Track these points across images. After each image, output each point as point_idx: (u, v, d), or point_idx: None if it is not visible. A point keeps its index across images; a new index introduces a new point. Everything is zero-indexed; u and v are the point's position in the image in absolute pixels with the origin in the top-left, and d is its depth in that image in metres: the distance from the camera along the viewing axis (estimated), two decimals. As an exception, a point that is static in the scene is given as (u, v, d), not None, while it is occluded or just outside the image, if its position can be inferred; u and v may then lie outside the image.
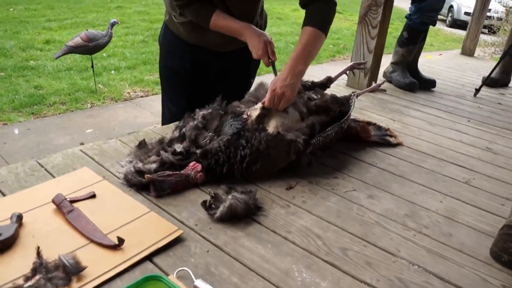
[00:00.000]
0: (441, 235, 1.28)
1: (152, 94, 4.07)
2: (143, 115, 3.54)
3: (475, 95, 3.00)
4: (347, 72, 1.92)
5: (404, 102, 2.61)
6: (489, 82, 3.19)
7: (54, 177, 1.31)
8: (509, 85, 3.48)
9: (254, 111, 1.53)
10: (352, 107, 1.70)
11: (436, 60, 4.27)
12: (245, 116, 1.52)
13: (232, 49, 1.75)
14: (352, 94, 1.78)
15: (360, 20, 2.57)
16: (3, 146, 2.76)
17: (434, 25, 2.76)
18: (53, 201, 1.12)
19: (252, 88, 1.73)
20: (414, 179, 1.61)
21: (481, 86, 3.02)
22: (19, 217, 1.04)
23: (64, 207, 1.09)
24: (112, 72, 4.59)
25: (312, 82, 1.77)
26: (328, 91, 1.82)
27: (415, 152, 1.87)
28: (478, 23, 4.56)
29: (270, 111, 1.49)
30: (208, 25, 1.57)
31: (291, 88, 1.46)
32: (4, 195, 1.19)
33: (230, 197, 1.19)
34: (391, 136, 1.97)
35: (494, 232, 1.32)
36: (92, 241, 1.01)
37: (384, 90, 1.96)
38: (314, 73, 5.97)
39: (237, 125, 1.44)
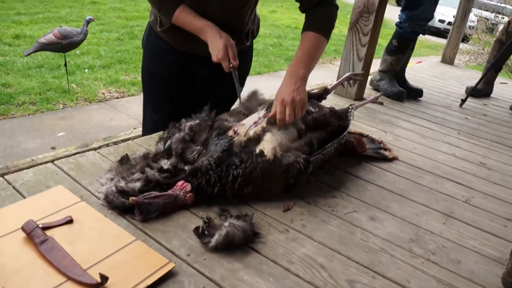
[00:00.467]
0: (450, 263, 1.20)
1: (128, 95, 3.89)
2: (119, 117, 3.36)
3: (461, 105, 2.97)
4: (344, 82, 1.83)
5: (393, 112, 2.54)
6: (472, 92, 3.18)
7: (24, 197, 1.15)
8: (491, 95, 3.49)
9: (241, 127, 1.41)
10: (350, 121, 1.60)
11: (418, 68, 4.25)
12: (231, 133, 1.40)
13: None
14: (350, 107, 1.68)
15: (351, 27, 2.49)
16: (-35, 150, 2.54)
17: (424, 34, 2.71)
18: (23, 229, 0.97)
19: (244, 97, 1.61)
20: (414, 198, 1.53)
21: (466, 97, 3.00)
22: (-18, 250, 0.89)
23: (36, 237, 0.94)
24: (86, 71, 4.38)
25: (308, 93, 1.66)
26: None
27: (411, 167, 1.79)
28: (458, 32, 4.58)
29: (263, 135, 1.36)
30: (170, 20, 1.44)
31: (299, 91, 1.32)
32: (-36, 220, 1.03)
33: (226, 224, 1.06)
34: (385, 149, 1.89)
35: (502, 257, 1.27)
36: (69, 278, 0.87)
37: (381, 103, 1.88)
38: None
39: (223, 144, 1.32)
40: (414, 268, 1.15)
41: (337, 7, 1.48)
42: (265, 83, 4.98)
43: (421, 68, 4.18)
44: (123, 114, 3.43)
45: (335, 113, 1.57)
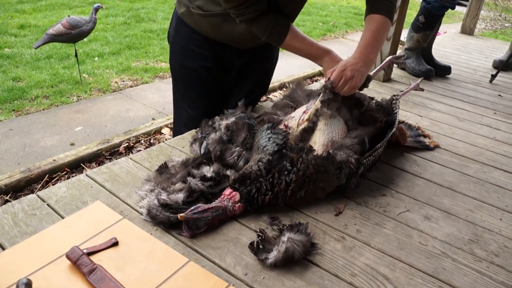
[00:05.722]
0: (516, 265, 1.12)
1: (142, 83, 3.77)
2: (136, 107, 3.26)
3: (491, 81, 2.84)
4: (385, 67, 1.71)
5: (425, 93, 2.42)
6: (500, 65, 3.03)
7: (61, 215, 1.07)
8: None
9: (292, 120, 1.32)
10: (397, 115, 1.50)
11: (439, 41, 4.07)
12: (283, 126, 1.31)
13: (257, 45, 1.54)
14: (394, 98, 1.57)
15: (378, 4, 2.34)
16: (-17, 151, 2.47)
17: (453, 8, 2.56)
18: (68, 257, 0.89)
19: (289, 89, 1.53)
20: (464, 191, 1.45)
21: (497, 73, 2.85)
22: (28, 285, 0.82)
23: (84, 265, 0.87)
24: (96, 59, 4.25)
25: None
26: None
27: (454, 155, 1.70)
28: (479, 0, 4.39)
29: (316, 124, 1.27)
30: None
31: (360, 75, 1.29)
32: (3, 248, 0.96)
33: (284, 239, 0.98)
34: (424, 136, 1.79)
35: None
36: (125, 312, 0.80)
37: (422, 89, 1.77)
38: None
39: (277, 140, 1.22)
40: (480, 274, 1.08)
41: None
42: (279, 62, 4.82)
43: (442, 41, 4.01)
44: (139, 104, 3.33)
45: (382, 108, 1.47)
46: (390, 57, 1.71)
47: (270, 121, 1.31)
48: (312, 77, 4.08)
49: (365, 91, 1.48)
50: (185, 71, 1.57)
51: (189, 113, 1.62)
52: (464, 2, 6.53)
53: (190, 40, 1.51)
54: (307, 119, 1.29)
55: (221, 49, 1.51)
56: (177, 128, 1.71)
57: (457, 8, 3.19)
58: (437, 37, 3.39)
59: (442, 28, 3.53)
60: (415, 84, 1.73)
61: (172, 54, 1.60)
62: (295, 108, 1.40)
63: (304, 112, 1.33)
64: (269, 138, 1.23)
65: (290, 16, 1.43)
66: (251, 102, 1.67)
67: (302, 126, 1.27)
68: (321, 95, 1.31)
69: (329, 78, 1.29)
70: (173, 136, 1.72)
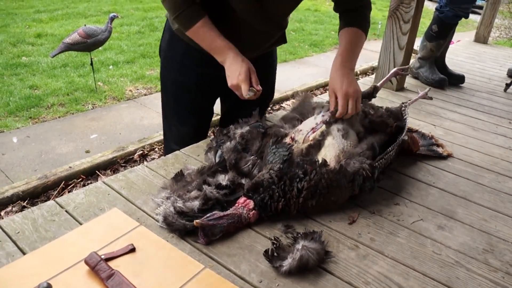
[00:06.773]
0: (532, 276, 1.11)
1: (156, 92, 3.82)
2: (150, 115, 3.31)
3: (505, 90, 2.82)
4: (391, 79, 1.72)
5: (438, 102, 2.42)
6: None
7: (79, 222, 1.10)
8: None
9: (298, 134, 1.33)
10: (406, 120, 1.51)
11: (452, 49, 4.05)
12: (288, 140, 1.32)
13: (252, 56, 1.48)
14: (403, 105, 1.58)
15: (391, 14, 2.36)
16: (2, 158, 2.52)
17: (467, 17, 2.56)
18: (86, 263, 0.91)
19: (297, 101, 1.53)
20: (479, 201, 1.44)
21: (511, 82, 2.84)
22: (49, 289, 0.84)
23: (102, 271, 0.89)
24: (111, 67, 4.33)
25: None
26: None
27: (468, 165, 1.69)
28: (493, 8, 4.36)
29: (323, 141, 1.28)
30: (187, 29, 1.30)
31: (355, 82, 1.30)
32: (23, 252, 0.98)
33: (299, 246, 0.99)
34: (438, 145, 1.79)
35: None
36: (143, 317, 0.82)
37: (431, 98, 1.78)
38: (319, 62, 5.75)
39: (282, 152, 1.24)
40: (496, 284, 1.07)
41: (370, 9, 1.44)
42: (292, 70, 4.86)
43: (456, 50, 4.00)
44: (153, 112, 3.38)
45: (391, 113, 1.48)
46: (395, 68, 1.72)
47: (276, 134, 1.33)
48: (324, 86, 4.10)
49: (378, 101, 1.49)
50: (178, 87, 1.54)
51: (179, 129, 1.62)
52: (478, 11, 6.50)
53: (182, 56, 1.48)
54: (311, 140, 1.29)
55: (217, 64, 1.43)
56: (168, 145, 1.70)
57: (471, 16, 3.18)
58: (450, 45, 3.38)
59: (456, 36, 3.52)
60: (423, 93, 1.74)
61: (164, 69, 1.56)
62: (302, 121, 1.42)
63: (312, 129, 1.34)
64: (274, 153, 1.24)
65: (275, 14, 1.41)
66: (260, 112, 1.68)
67: (309, 143, 1.28)
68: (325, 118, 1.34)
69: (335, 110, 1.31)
70: (165, 154, 1.71)
